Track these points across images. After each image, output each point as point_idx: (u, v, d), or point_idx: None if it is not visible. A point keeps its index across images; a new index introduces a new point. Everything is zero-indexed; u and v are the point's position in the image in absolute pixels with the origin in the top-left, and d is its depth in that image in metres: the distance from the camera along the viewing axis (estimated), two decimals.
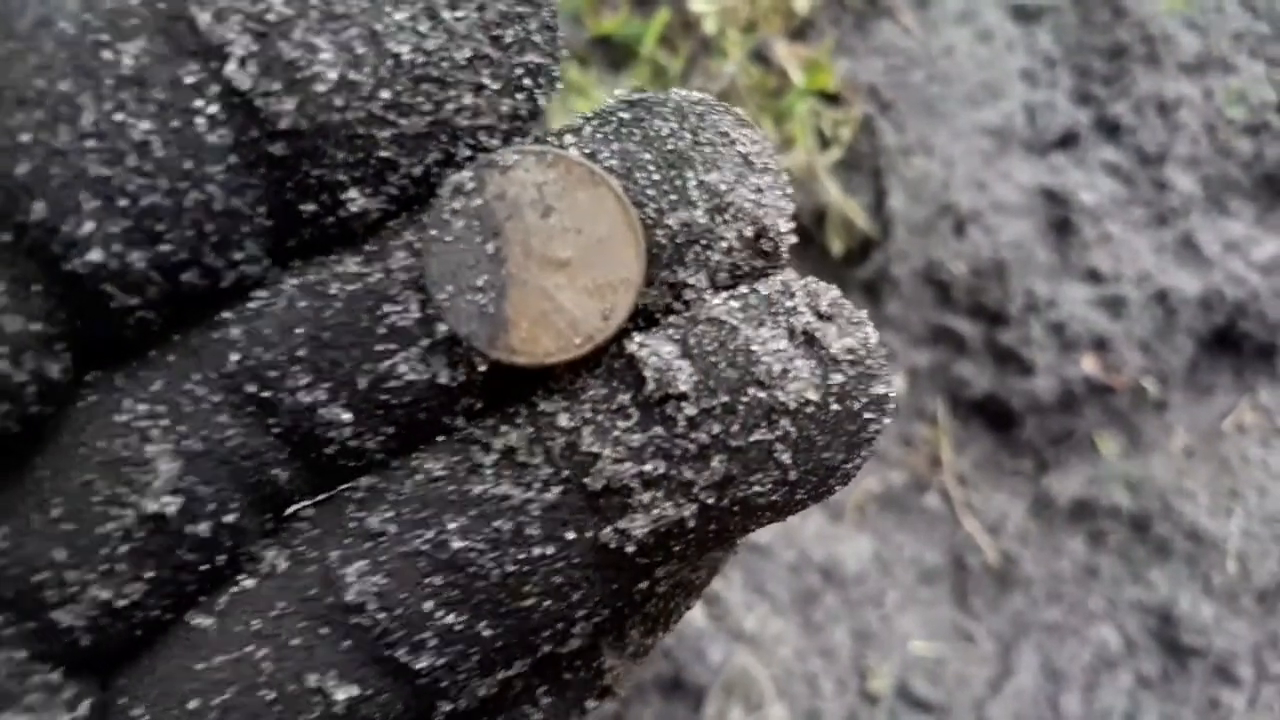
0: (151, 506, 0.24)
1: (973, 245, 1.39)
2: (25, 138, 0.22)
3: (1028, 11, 1.54)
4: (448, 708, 0.26)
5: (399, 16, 0.23)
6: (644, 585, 0.26)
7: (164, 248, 0.23)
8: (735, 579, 1.26)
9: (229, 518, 0.25)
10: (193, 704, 0.25)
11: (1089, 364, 1.36)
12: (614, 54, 1.48)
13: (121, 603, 0.25)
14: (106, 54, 0.22)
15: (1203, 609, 1.31)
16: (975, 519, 1.35)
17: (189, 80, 0.22)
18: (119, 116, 0.22)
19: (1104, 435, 1.37)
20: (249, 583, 0.26)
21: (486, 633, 0.25)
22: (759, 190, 0.25)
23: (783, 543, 1.29)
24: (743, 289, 0.25)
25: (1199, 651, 1.29)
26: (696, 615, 1.22)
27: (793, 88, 1.40)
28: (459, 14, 0.23)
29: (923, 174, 1.41)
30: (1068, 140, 1.47)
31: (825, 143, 1.41)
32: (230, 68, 0.22)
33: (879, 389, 0.25)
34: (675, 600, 0.29)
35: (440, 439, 0.26)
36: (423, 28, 0.23)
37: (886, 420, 0.25)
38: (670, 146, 0.25)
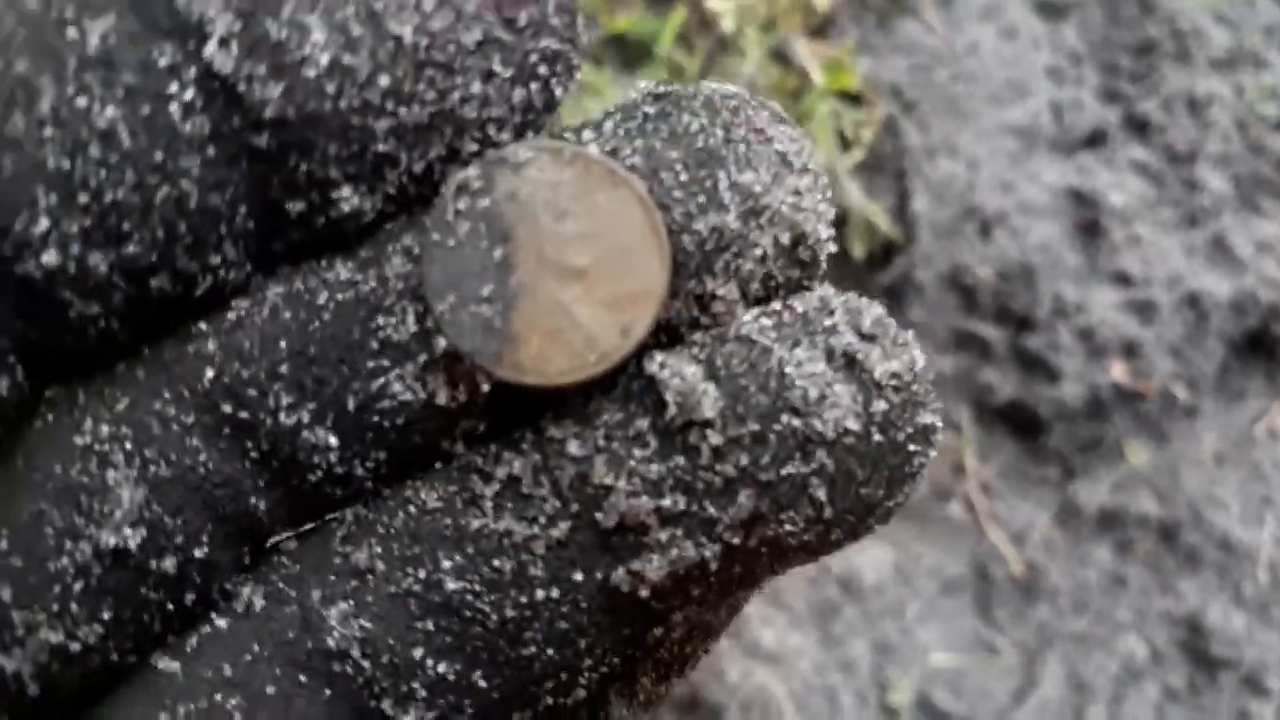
0: (111, 539, 0.22)
1: (999, 248, 1.36)
2: None
3: (1054, 7, 1.51)
4: None
5: None
6: (659, 632, 0.23)
7: (130, 249, 0.21)
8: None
9: (199, 551, 0.23)
10: None
11: (1117, 370, 1.33)
12: (629, 53, 1.46)
13: (75, 646, 0.22)
14: (71, 31, 0.20)
15: (1233, 619, 1.28)
16: (999, 528, 1.32)
17: (163, 62, 0.20)
18: (82, 101, 0.20)
19: (1132, 442, 1.34)
20: (221, 623, 0.23)
21: (483, 683, 0.23)
22: (797, 192, 0.22)
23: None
24: (776, 304, 0.22)
25: (1228, 663, 1.26)
26: None
27: (813, 88, 1.38)
28: None
29: (947, 176, 1.38)
30: (1095, 139, 1.44)
31: (846, 144, 1.38)
32: (210, 48, 0.20)
33: (925, 418, 0.22)
34: (693, 645, 0.26)
35: (437, 466, 0.23)
36: (428, 7, 0.21)
37: (932, 453, 0.23)
38: (700, 144, 0.22)
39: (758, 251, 0.22)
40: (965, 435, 1.35)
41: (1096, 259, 1.37)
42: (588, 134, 0.22)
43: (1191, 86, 1.45)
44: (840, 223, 1.37)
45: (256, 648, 0.23)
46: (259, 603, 0.23)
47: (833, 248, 0.23)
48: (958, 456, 1.35)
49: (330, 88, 0.20)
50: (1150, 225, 1.39)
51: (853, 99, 1.41)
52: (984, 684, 1.26)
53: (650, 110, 0.22)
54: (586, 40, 1.42)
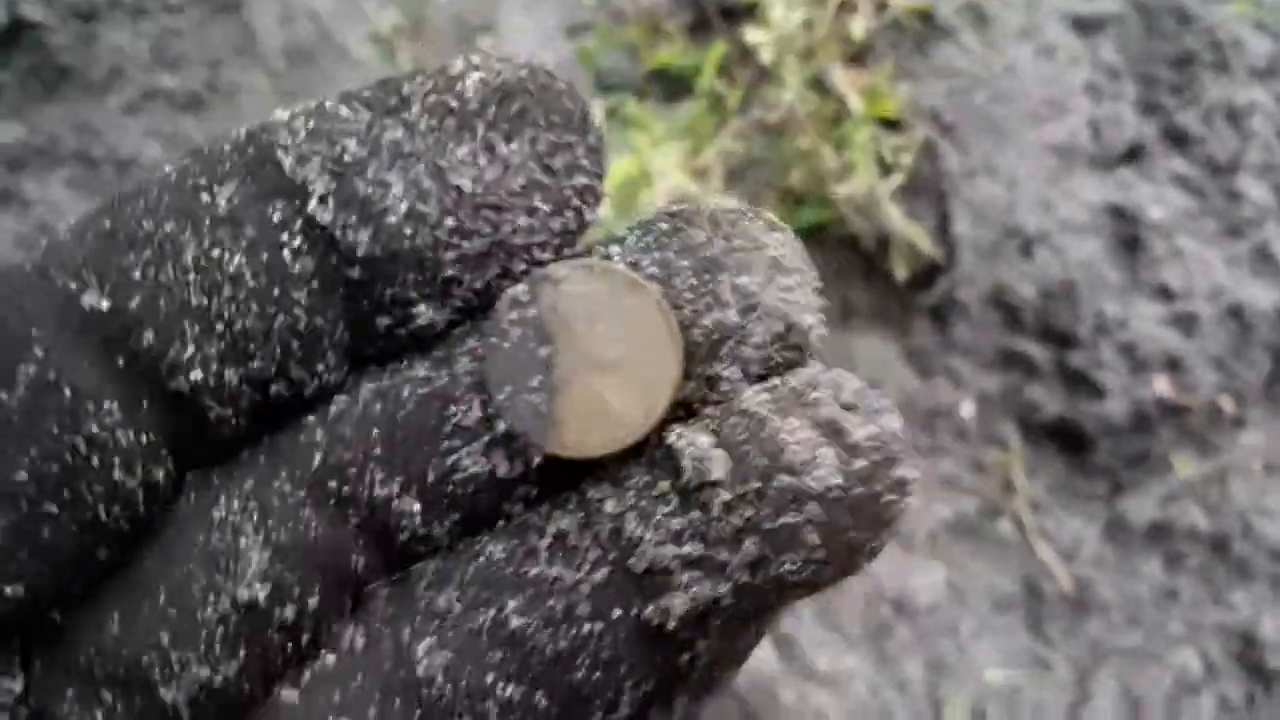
0: (245, 594, 0.28)
1: (1040, 267, 1.40)
2: (136, 275, 0.26)
3: (1090, 22, 1.55)
4: None
5: (461, 152, 0.27)
6: (686, 658, 0.29)
7: (255, 365, 0.27)
8: (806, 616, 1.29)
9: (312, 601, 0.28)
10: None
11: (1162, 385, 1.37)
12: (671, 86, 1.52)
13: (218, 680, 0.28)
14: (204, 196, 0.26)
15: None
16: (1049, 545, 1.36)
17: (276, 217, 0.26)
18: (216, 252, 0.26)
19: (1179, 456, 1.37)
20: (330, 660, 0.29)
21: (543, 703, 0.28)
22: (788, 289, 0.28)
23: (854, 576, 1.31)
24: (774, 381, 0.28)
25: None
26: (768, 658, 1.24)
27: (852, 114, 1.43)
28: (513, 146, 0.27)
29: (987, 196, 1.42)
30: (1135, 153, 1.48)
31: (886, 169, 1.43)
32: (312, 205, 0.26)
33: (900, 472, 0.28)
34: (720, 670, 0.32)
35: (500, 525, 0.29)
36: (482, 161, 0.27)
37: (909, 501, 0.28)
38: (705, 254, 0.28)
39: (755, 340, 0.28)
40: (1013, 452, 1.39)
41: (1138, 274, 1.41)
42: (614, 249, 0.28)
43: (1231, 97, 1.48)
44: (883, 246, 1.42)
45: (359, 678, 0.28)
46: (360, 642, 0.29)
47: (823, 332, 0.29)
48: (1006, 474, 1.39)
49: (408, 230, 0.27)
50: (1191, 238, 1.42)
51: (892, 124, 1.46)
52: (1039, 700, 1.29)
53: (664, 226, 0.28)
54: (628, 78, 1.48)
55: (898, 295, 1.43)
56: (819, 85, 1.47)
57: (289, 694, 0.29)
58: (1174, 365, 1.38)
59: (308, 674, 0.29)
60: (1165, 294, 1.40)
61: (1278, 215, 1.44)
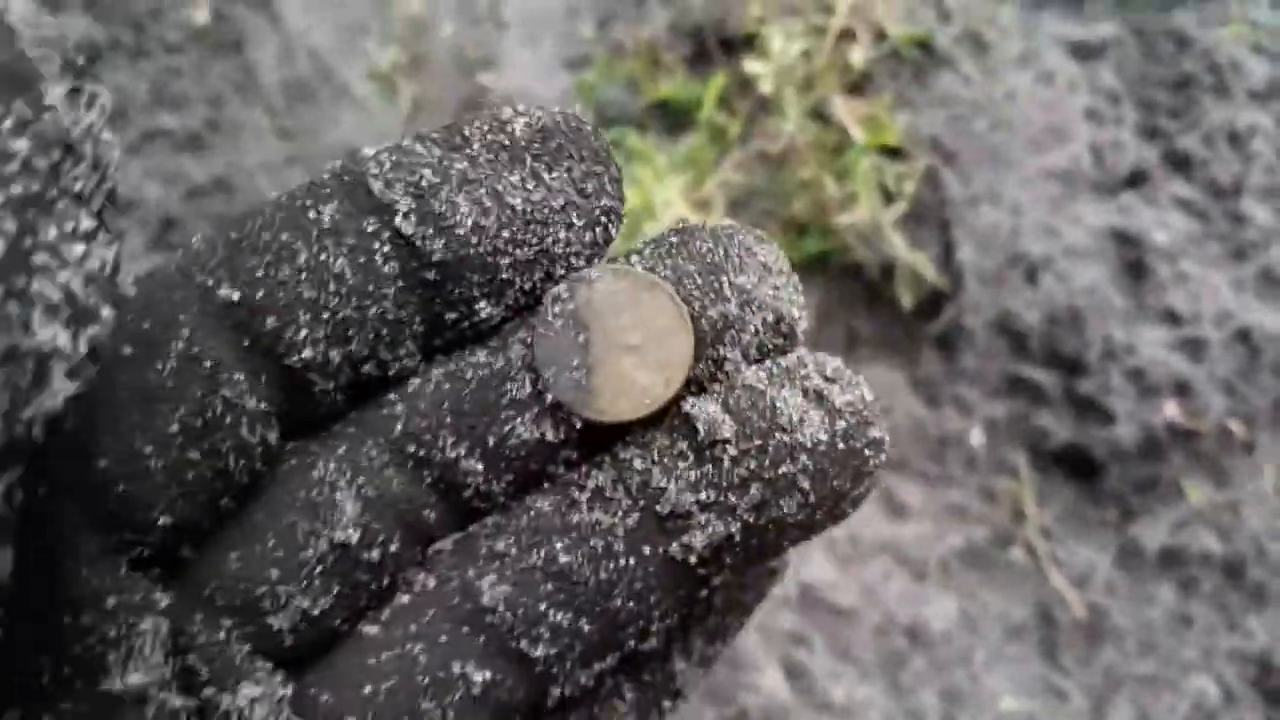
0: (339, 537, 0.35)
1: (1046, 293, 1.47)
2: (260, 273, 0.34)
3: (1089, 48, 1.63)
4: (557, 692, 0.36)
5: (513, 178, 0.35)
6: (704, 593, 0.36)
7: (353, 347, 0.35)
8: (819, 646, 1.34)
9: (393, 548, 0.36)
10: (365, 689, 0.36)
11: (1171, 410, 1.43)
12: (672, 118, 1.60)
13: (316, 611, 0.35)
14: (311, 213, 0.34)
15: None
16: (1061, 572, 1.42)
17: (369, 229, 0.34)
18: (322, 256, 0.34)
19: (1191, 481, 1.44)
20: (405, 599, 0.36)
21: (586, 628, 0.35)
22: (776, 288, 0.36)
23: (867, 605, 1.36)
24: (768, 362, 0.36)
25: None
26: (783, 690, 1.30)
27: (853, 143, 1.51)
28: (554, 174, 0.35)
29: (991, 224, 1.49)
30: (1137, 178, 1.55)
31: (889, 197, 1.51)
32: (398, 219, 0.35)
33: (874, 433, 0.35)
34: (730, 617, 0.40)
35: (546, 484, 0.37)
36: (529, 185, 0.35)
37: (883, 457, 0.36)
38: (709, 259, 0.36)
39: (751, 328, 0.36)
40: (1023, 480, 1.45)
41: (1144, 298, 1.47)
42: (634, 258, 0.37)
43: (1232, 119, 1.56)
44: (887, 275, 1.50)
45: (432, 611, 0.36)
46: (431, 583, 0.36)
47: (806, 325, 0.37)
48: (1017, 502, 1.45)
49: (473, 240, 0.35)
50: (1196, 262, 1.49)
51: (893, 152, 1.53)
52: None
53: (674, 240, 0.37)
54: (629, 111, 1.55)
55: (903, 324, 1.50)
56: (819, 115, 1.54)
57: (370, 628, 0.37)
58: (1183, 390, 1.44)
59: (386, 611, 0.37)
60: (1172, 318, 1.47)
61: None
